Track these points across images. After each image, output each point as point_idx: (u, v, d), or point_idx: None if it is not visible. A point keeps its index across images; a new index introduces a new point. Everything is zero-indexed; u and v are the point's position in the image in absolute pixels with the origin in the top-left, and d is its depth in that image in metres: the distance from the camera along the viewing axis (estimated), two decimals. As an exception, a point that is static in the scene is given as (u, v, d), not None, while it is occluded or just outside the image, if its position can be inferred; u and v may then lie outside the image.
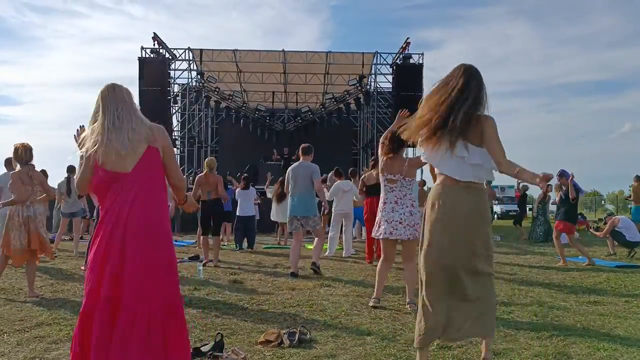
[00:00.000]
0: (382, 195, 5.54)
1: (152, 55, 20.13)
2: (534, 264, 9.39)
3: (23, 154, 5.78)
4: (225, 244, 12.49)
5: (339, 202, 9.91)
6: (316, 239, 7.77)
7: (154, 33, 20.06)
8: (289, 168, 7.89)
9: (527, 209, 15.68)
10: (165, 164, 2.97)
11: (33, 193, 5.79)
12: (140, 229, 2.77)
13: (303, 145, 7.89)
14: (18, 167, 5.87)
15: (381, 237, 5.36)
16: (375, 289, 5.46)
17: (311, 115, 23.88)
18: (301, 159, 7.76)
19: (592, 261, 9.24)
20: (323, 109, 23.64)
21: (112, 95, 2.90)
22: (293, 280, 6.93)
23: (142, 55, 20.07)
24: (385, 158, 5.47)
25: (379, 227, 5.40)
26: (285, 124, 25.36)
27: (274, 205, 13.12)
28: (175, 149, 23.17)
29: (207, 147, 25.72)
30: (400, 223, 5.29)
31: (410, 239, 5.25)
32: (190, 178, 21.28)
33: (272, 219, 13.26)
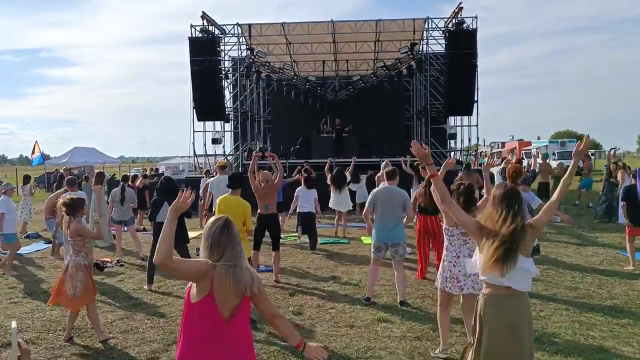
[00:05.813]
0: (451, 246, 5.36)
1: (201, 35, 20.15)
2: (596, 265, 9.22)
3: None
4: (283, 236, 12.70)
5: None
6: (397, 273, 7.25)
7: (203, 12, 20.04)
8: (375, 191, 7.34)
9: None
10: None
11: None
12: None
13: (387, 169, 7.48)
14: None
15: (465, 292, 5.24)
16: (441, 339, 5.47)
17: (362, 84, 23.54)
18: (386, 183, 7.32)
19: None
20: (374, 78, 23.23)
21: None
22: (351, 310, 7.01)
23: (192, 34, 20.12)
24: None
25: (457, 282, 5.26)
26: (337, 92, 25.13)
27: (332, 193, 13.22)
28: (228, 123, 23.46)
29: (259, 118, 25.88)
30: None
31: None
32: (245, 153, 21.60)
33: (330, 207, 13.38)
